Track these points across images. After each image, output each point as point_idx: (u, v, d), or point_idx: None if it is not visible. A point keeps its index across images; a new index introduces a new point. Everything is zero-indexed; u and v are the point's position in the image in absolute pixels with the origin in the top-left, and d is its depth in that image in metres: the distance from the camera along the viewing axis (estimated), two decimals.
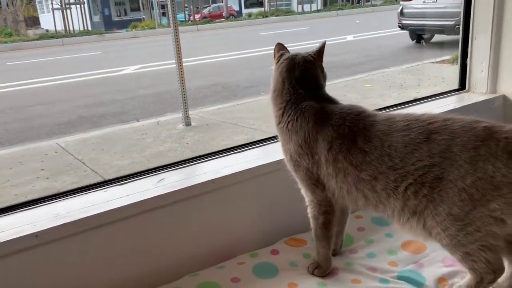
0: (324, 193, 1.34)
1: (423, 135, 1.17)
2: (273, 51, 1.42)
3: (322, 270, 1.42)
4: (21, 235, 1.21)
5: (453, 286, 1.26)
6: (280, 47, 1.41)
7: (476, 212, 1.11)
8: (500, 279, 1.29)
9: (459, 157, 1.12)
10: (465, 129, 1.14)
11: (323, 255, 1.42)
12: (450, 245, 1.16)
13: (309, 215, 1.42)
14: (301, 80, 1.35)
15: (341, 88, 5.31)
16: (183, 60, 4.23)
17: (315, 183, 1.34)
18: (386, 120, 1.25)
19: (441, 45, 8.19)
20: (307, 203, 1.43)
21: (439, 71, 6.14)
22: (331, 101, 1.37)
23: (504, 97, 2.29)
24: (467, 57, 2.38)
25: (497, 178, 1.08)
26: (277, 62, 1.40)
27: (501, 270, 1.18)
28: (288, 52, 1.41)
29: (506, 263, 1.27)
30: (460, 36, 2.41)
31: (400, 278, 1.39)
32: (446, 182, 1.13)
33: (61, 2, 13.82)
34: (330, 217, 1.38)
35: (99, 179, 2.86)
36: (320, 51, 1.40)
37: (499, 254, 1.16)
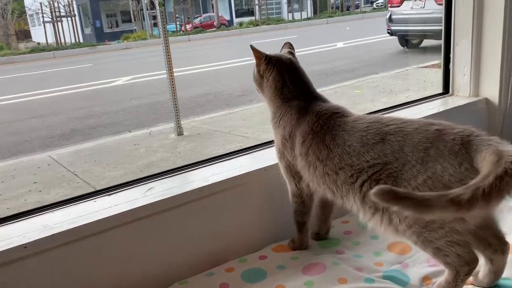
0: (297, 187, 1.51)
1: (379, 136, 1.25)
2: (252, 53, 1.50)
3: (294, 245, 1.61)
4: (10, 246, 1.23)
5: (435, 284, 1.29)
6: (257, 49, 1.50)
7: None
8: (481, 276, 1.33)
9: (411, 158, 1.19)
10: (417, 131, 1.21)
11: (298, 235, 1.60)
12: (419, 242, 1.21)
13: None
14: (296, 80, 1.48)
15: (332, 95, 5.37)
16: (175, 70, 4.28)
17: (294, 175, 1.49)
18: (354, 121, 1.34)
19: (430, 50, 8.29)
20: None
21: (428, 75, 6.21)
22: (320, 99, 1.48)
23: (487, 100, 2.35)
24: (449, 62, 2.44)
25: (445, 177, 1.14)
26: (267, 63, 1.48)
27: (474, 261, 1.21)
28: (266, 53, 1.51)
29: (482, 260, 1.31)
30: (442, 42, 2.47)
31: (386, 277, 1.42)
32: (401, 181, 1.19)
33: (52, 15, 13.87)
34: (300, 207, 1.55)
35: (91, 191, 2.88)
36: (293, 51, 1.56)
37: (468, 248, 1.20)
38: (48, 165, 3.77)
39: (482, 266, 1.32)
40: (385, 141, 1.23)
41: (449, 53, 2.42)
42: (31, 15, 17.29)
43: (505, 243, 1.29)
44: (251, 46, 1.49)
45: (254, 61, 1.53)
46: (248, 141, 3.82)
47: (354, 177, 1.26)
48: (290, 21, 18.40)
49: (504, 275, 1.35)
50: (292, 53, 1.54)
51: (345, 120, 1.35)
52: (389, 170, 1.21)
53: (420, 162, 1.17)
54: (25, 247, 1.24)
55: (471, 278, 1.34)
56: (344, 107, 1.43)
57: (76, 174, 3.50)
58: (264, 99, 1.55)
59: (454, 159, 1.14)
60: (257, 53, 1.49)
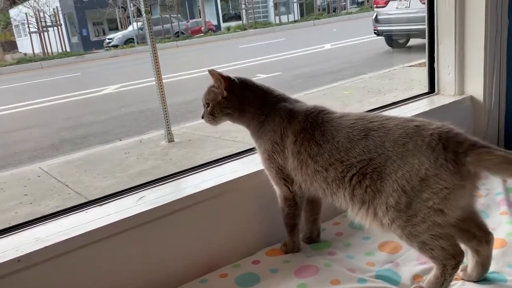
0: (289, 190, 1.51)
1: (363, 132, 1.30)
2: (219, 77, 1.47)
3: (286, 248, 1.61)
4: (3, 260, 1.23)
5: (425, 281, 1.31)
6: (220, 73, 1.48)
7: (415, 203, 1.20)
8: (469, 270, 1.36)
9: (391, 153, 1.24)
10: (398, 127, 1.26)
11: (289, 238, 1.60)
12: (404, 236, 1.24)
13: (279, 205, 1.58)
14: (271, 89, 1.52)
15: (321, 97, 5.40)
16: (164, 76, 4.28)
17: (285, 178, 1.49)
18: (340, 117, 1.38)
19: (417, 48, 8.36)
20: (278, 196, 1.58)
21: (415, 74, 6.26)
22: (297, 102, 1.53)
23: (472, 98, 2.38)
24: (434, 61, 2.47)
25: (422, 171, 1.19)
26: (238, 82, 1.48)
27: (459, 254, 1.24)
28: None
29: (469, 253, 1.34)
30: (426, 42, 2.51)
31: (378, 277, 1.44)
32: (384, 175, 1.24)
33: (38, 25, 13.79)
34: (293, 209, 1.55)
35: (83, 201, 2.87)
36: None
37: (453, 241, 1.24)
38: (38, 176, 3.74)
39: (470, 260, 1.35)
40: (368, 137, 1.28)
41: (433, 52, 2.46)
42: (17, 26, 17.17)
43: (488, 233, 1.33)
44: (212, 72, 1.46)
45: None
46: (238, 145, 3.83)
47: (344, 172, 1.30)
48: (277, 24, 18.44)
49: (493, 269, 1.38)
50: None
51: (331, 117, 1.40)
52: (373, 166, 1.26)
53: (400, 157, 1.22)
54: (19, 261, 1.24)
55: (460, 273, 1.37)
56: (326, 106, 1.48)
57: (67, 185, 3.48)
58: (243, 118, 1.51)
59: (431, 153, 1.19)
60: (222, 76, 1.46)
